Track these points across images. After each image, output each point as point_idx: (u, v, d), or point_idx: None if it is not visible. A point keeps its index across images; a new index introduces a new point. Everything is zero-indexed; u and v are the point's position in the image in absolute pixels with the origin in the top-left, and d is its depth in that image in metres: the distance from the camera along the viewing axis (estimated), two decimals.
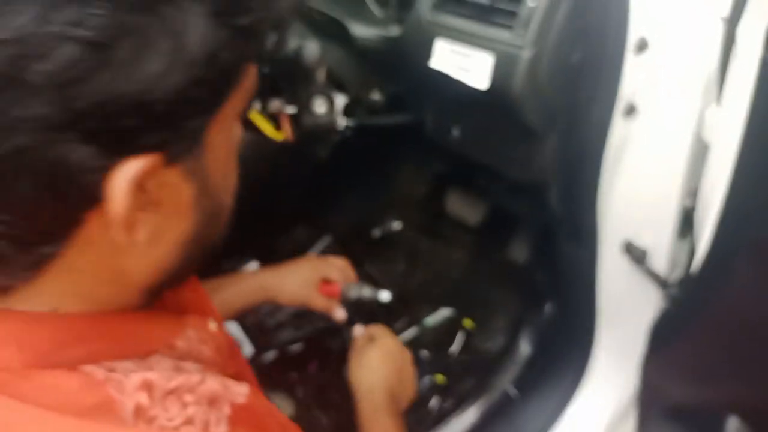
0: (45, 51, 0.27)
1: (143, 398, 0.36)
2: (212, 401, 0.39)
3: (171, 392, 0.37)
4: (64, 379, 0.35)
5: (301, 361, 1.25)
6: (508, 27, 0.74)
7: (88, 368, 0.37)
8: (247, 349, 1.25)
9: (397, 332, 1.31)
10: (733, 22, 0.67)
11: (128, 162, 0.32)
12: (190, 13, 0.31)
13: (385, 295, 0.95)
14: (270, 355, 1.26)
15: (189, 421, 0.37)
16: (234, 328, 1.28)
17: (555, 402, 1.07)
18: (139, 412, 0.36)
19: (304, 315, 1.35)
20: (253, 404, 0.41)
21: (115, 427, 0.34)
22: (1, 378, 0.34)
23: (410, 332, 1.29)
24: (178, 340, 0.45)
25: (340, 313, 0.93)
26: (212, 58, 0.32)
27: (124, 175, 0.32)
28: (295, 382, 1.21)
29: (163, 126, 0.33)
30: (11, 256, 0.34)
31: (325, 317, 0.96)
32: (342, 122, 0.95)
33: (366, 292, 0.95)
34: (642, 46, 0.77)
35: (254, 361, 1.25)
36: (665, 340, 0.76)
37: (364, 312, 1.32)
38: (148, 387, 0.37)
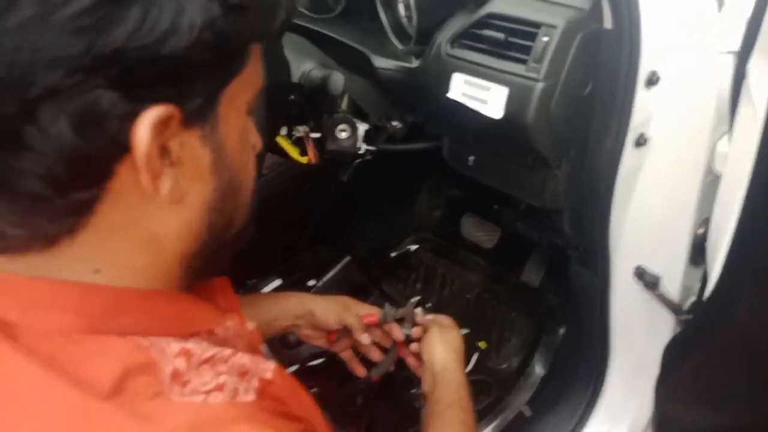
0: None
1: (181, 363, 0.40)
2: (242, 373, 0.43)
3: (206, 361, 0.42)
4: (113, 343, 0.40)
5: (322, 376, 1.28)
6: (523, 61, 0.77)
7: (135, 338, 0.41)
8: None
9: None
10: (743, 56, 0.70)
11: (149, 109, 0.36)
12: None
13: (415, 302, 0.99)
14: (291, 369, 1.29)
15: (219, 388, 0.40)
16: None
17: (569, 423, 1.08)
18: (175, 375, 0.40)
19: None
20: (278, 380, 0.45)
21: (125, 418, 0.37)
22: (56, 342, 0.39)
23: None
24: (218, 328, 0.49)
25: (365, 337, 0.93)
26: (209, 27, 0.37)
27: (146, 121, 0.36)
28: (316, 397, 1.24)
29: (176, 81, 0.38)
30: (49, 199, 0.37)
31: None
32: (363, 147, 0.99)
33: (401, 312, 0.95)
34: (653, 79, 0.80)
35: None
36: (677, 364, 0.78)
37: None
38: (186, 354, 0.41)
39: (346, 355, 0.96)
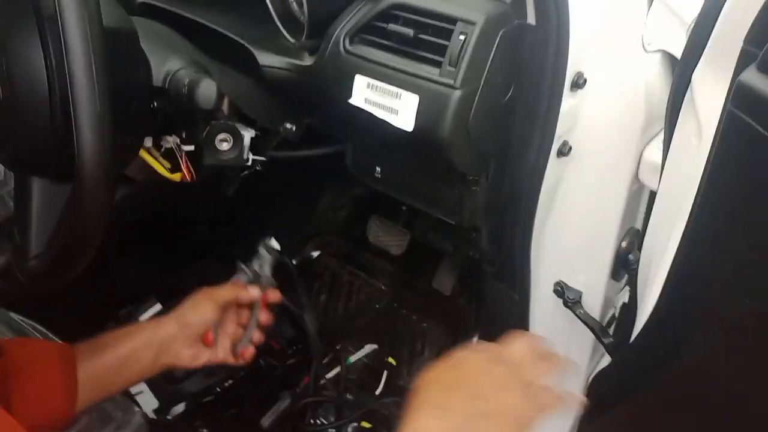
0: None
1: None
2: None
3: None
4: None
5: (214, 413, 1.13)
6: (436, 63, 0.65)
7: None
8: (151, 403, 1.12)
9: (321, 373, 1.22)
10: (689, 65, 0.61)
11: None
12: None
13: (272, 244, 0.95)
14: (179, 408, 1.13)
15: None
16: None
17: None
18: None
19: None
20: None
21: None
22: None
23: (333, 372, 1.20)
24: None
25: (253, 290, 0.91)
26: None
27: None
28: None
29: None
30: None
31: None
32: (250, 158, 0.83)
33: (253, 265, 0.94)
34: (579, 81, 0.71)
35: (160, 416, 1.11)
36: (611, 402, 0.71)
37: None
38: None
39: (225, 347, 0.88)
